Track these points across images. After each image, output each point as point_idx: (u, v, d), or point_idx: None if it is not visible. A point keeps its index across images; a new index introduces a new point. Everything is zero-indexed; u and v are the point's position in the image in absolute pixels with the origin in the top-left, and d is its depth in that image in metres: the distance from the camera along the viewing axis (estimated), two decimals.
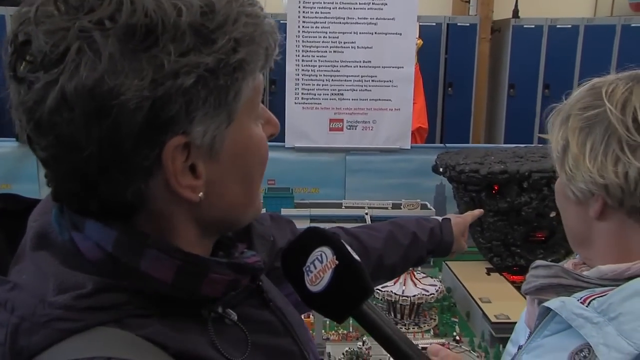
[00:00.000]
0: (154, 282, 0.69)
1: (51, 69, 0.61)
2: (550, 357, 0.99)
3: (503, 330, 2.23)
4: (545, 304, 1.00)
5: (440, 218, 1.52)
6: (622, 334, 0.88)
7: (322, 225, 1.31)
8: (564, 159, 1.02)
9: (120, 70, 0.60)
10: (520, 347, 1.11)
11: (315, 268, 0.78)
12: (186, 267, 0.70)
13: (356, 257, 0.79)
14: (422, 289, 2.37)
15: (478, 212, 1.69)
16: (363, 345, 2.04)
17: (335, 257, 0.77)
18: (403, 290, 2.30)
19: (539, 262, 1.12)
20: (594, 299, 0.95)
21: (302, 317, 1.72)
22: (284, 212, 3.03)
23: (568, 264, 1.12)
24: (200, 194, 0.70)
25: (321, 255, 0.78)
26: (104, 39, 0.60)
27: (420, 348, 0.81)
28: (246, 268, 0.77)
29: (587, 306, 0.95)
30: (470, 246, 2.89)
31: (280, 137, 3.45)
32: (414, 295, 2.31)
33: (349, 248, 0.79)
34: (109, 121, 0.61)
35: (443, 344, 2.17)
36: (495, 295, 2.46)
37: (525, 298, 2.46)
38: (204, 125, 0.67)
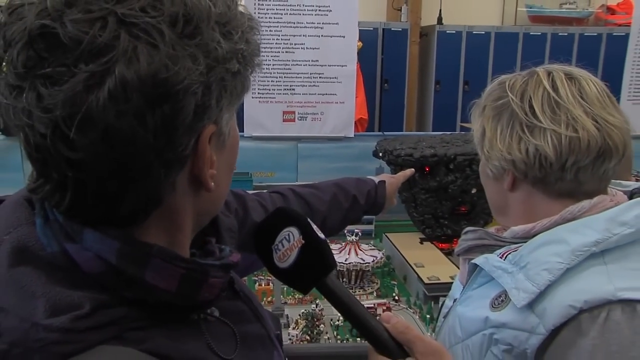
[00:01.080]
0: (159, 292, 0.60)
1: (97, 59, 0.50)
2: (477, 304, 1.02)
3: (434, 290, 2.26)
4: (472, 260, 1.04)
5: (376, 180, 1.46)
6: (529, 278, 0.91)
7: None
8: (482, 143, 1.06)
9: (179, 55, 0.53)
10: (455, 300, 1.13)
11: (283, 246, 0.76)
12: (189, 274, 0.61)
13: (321, 235, 0.76)
14: (365, 257, 2.38)
15: (409, 171, 1.63)
16: (316, 307, 2.03)
17: (302, 237, 0.75)
18: (346, 259, 2.31)
19: (468, 228, 1.16)
20: (509, 254, 0.98)
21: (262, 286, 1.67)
22: None
23: (492, 228, 1.14)
24: (213, 184, 0.63)
25: (289, 234, 0.76)
26: (156, 26, 0.52)
27: (369, 310, 0.80)
28: (233, 268, 0.70)
29: (504, 260, 0.98)
30: (406, 219, 2.93)
31: (239, 127, 3.39)
32: (359, 263, 2.31)
33: (314, 227, 0.77)
34: (167, 108, 0.53)
35: (385, 304, 2.19)
36: (427, 261, 2.49)
37: (452, 262, 2.52)
38: (229, 113, 0.62)
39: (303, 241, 0.75)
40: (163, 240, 0.63)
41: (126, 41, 0.51)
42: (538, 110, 0.97)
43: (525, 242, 0.98)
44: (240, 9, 0.62)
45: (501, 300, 0.96)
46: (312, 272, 0.76)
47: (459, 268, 2.40)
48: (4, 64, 0.54)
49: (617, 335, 0.83)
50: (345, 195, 1.34)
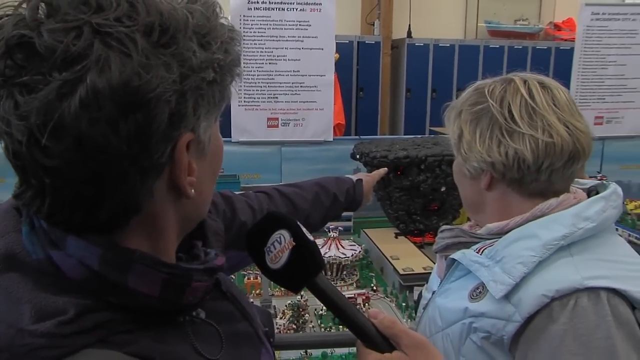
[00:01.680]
0: (142, 297, 0.57)
1: (71, 67, 0.48)
2: (456, 295, 1.02)
3: (409, 280, 2.27)
4: (451, 256, 1.04)
5: (354, 178, 1.44)
6: (505, 271, 0.92)
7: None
8: (459, 144, 1.04)
9: (152, 64, 0.50)
10: (434, 292, 1.12)
11: (275, 249, 0.74)
12: (171, 279, 0.58)
13: (310, 237, 0.75)
14: (346, 251, 2.37)
15: (383, 170, 1.62)
16: (302, 298, 2.02)
17: (292, 239, 0.73)
18: (326, 252, 2.31)
19: (444, 226, 1.15)
20: (485, 249, 0.99)
21: (251, 280, 1.64)
22: None
23: (465, 225, 1.14)
24: (193, 190, 0.60)
25: (280, 237, 0.74)
26: (130, 35, 0.50)
27: (350, 300, 0.79)
28: (218, 271, 0.67)
29: (481, 254, 0.98)
30: (382, 216, 2.93)
31: (227, 133, 3.40)
32: (340, 257, 2.31)
33: (304, 229, 0.75)
34: (140, 116, 0.50)
35: (364, 294, 2.19)
36: (402, 254, 2.49)
37: (425, 255, 2.52)
38: (207, 121, 0.58)
39: (294, 243, 0.73)
40: (146, 246, 0.59)
41: (99, 50, 0.48)
42: (517, 116, 0.96)
43: (499, 237, 0.99)
44: (222, 21, 0.59)
45: (479, 291, 0.96)
46: (302, 272, 0.74)
47: (431, 260, 2.43)
48: None
49: (584, 319, 0.84)
50: (326, 193, 1.33)
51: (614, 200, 0.97)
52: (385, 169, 1.67)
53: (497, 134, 0.98)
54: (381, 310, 0.77)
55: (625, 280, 0.88)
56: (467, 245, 1.04)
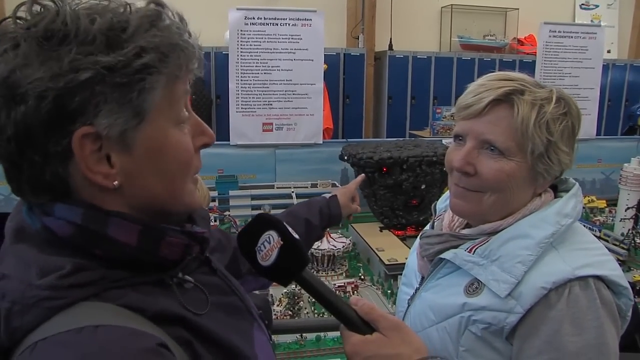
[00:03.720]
0: (121, 245, 0.59)
1: None
2: (449, 291, 0.98)
3: (393, 269, 2.25)
4: (442, 256, 1.00)
5: (328, 195, 1.34)
6: (505, 270, 0.90)
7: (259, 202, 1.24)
8: (545, 153, 0.92)
9: (29, 64, 0.54)
10: (418, 289, 1.08)
11: (265, 248, 0.74)
12: (146, 230, 0.61)
13: (296, 236, 0.75)
14: (336, 244, 2.35)
15: (360, 178, 1.54)
16: (297, 287, 1.99)
17: (280, 238, 0.73)
18: (318, 246, 2.27)
19: (428, 231, 1.09)
20: (477, 248, 0.96)
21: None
22: (232, 193, 2.96)
23: (445, 227, 1.08)
24: (116, 182, 0.59)
25: (269, 237, 0.74)
26: (25, 40, 0.55)
27: (340, 295, 0.78)
28: (196, 235, 0.68)
29: (473, 254, 0.95)
30: (367, 212, 2.91)
31: (226, 137, 3.36)
32: (331, 249, 2.28)
33: (290, 230, 0.75)
34: (22, 107, 0.54)
35: (353, 282, 2.17)
36: (386, 246, 2.48)
37: (407, 246, 2.50)
38: (110, 118, 0.57)
39: (281, 242, 0.73)
40: None
41: (2, 51, 0.55)
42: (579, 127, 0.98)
43: (484, 237, 0.97)
44: (158, 30, 0.59)
45: (475, 287, 0.94)
46: (290, 268, 0.74)
47: None
48: None
49: (577, 304, 0.86)
50: (297, 221, 1.22)
51: (579, 195, 0.99)
52: (363, 175, 1.64)
53: (572, 142, 0.97)
54: (361, 298, 0.78)
55: (601, 265, 0.90)
56: (455, 246, 1.00)
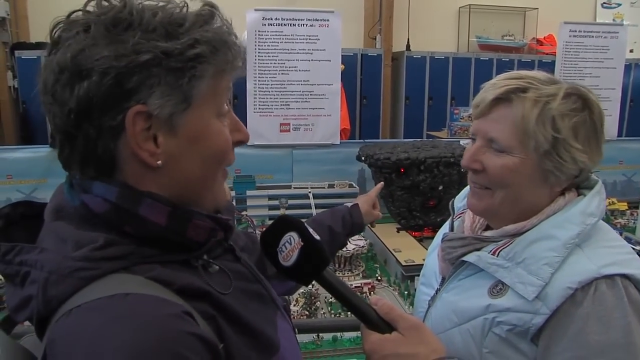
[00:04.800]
0: (151, 224, 0.63)
1: (57, 46, 0.62)
2: (472, 292, 0.97)
3: (410, 270, 2.23)
4: (464, 258, 0.99)
5: (350, 204, 1.37)
6: (531, 273, 0.89)
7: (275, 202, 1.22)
8: (552, 151, 0.90)
9: (97, 45, 0.60)
10: (438, 290, 1.07)
11: (286, 249, 0.76)
12: (174, 212, 0.65)
13: (317, 237, 0.76)
14: (353, 245, 2.34)
15: (380, 185, 1.57)
16: (313, 287, 1.98)
17: (300, 239, 0.75)
18: None
19: (451, 234, 1.08)
20: (501, 250, 0.95)
21: None
22: (249, 193, 2.96)
23: (467, 229, 1.07)
24: (159, 161, 0.64)
25: (290, 238, 0.76)
26: (96, 26, 0.61)
27: (360, 294, 0.81)
28: (220, 221, 0.71)
29: (497, 256, 0.94)
30: (384, 213, 2.89)
31: None
32: (348, 250, 2.27)
33: (311, 230, 0.76)
34: (85, 82, 0.60)
35: (369, 283, 2.15)
36: (403, 247, 2.46)
37: (424, 247, 2.48)
38: (161, 100, 0.62)
39: (302, 243, 0.75)
40: None
41: (72, 37, 0.61)
42: (603, 125, 0.95)
43: (507, 238, 0.96)
44: (210, 27, 0.65)
45: (499, 289, 0.93)
46: (311, 268, 0.75)
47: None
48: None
49: (603, 303, 0.85)
50: (321, 229, 1.22)
51: (603, 193, 0.97)
52: (382, 184, 1.64)
53: (601, 140, 0.95)
54: (381, 297, 0.79)
55: (627, 263, 0.89)
56: (477, 248, 0.99)
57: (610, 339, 0.83)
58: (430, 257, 1.17)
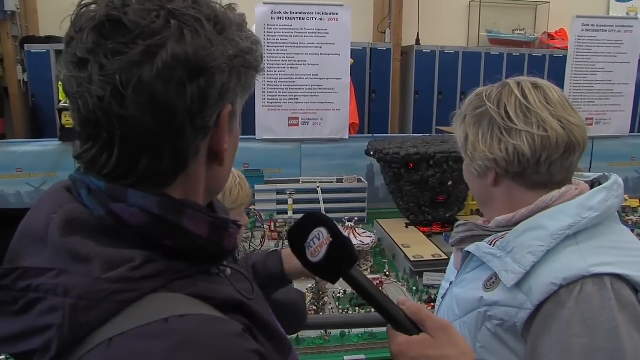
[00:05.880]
0: (195, 237, 0.59)
1: (153, 37, 0.54)
2: (471, 286, 0.99)
3: (419, 266, 2.22)
4: (465, 249, 1.01)
5: (267, 252, 1.12)
6: (516, 261, 0.90)
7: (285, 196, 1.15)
8: (466, 146, 1.02)
9: (215, 41, 0.57)
10: (451, 283, 1.09)
11: (314, 244, 0.75)
12: (215, 222, 0.61)
13: (345, 234, 0.76)
14: (361, 240, 2.33)
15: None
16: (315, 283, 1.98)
17: (329, 235, 0.74)
18: None
19: (459, 222, 1.12)
20: (497, 240, 0.96)
21: None
22: (257, 187, 2.95)
23: (479, 220, 1.11)
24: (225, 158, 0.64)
25: (319, 234, 0.75)
26: (198, 18, 0.56)
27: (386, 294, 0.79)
28: (236, 223, 0.68)
29: (493, 246, 0.96)
30: (393, 207, 2.88)
31: (251, 131, 3.37)
32: (356, 245, 2.26)
33: (339, 228, 0.76)
34: (203, 81, 0.56)
35: (378, 279, 2.15)
36: (412, 242, 2.45)
37: (433, 243, 2.47)
38: (242, 99, 0.64)
39: (331, 239, 0.74)
40: None
41: (176, 26, 0.54)
42: (512, 115, 0.95)
43: (507, 229, 0.96)
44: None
45: (492, 281, 0.94)
46: (339, 265, 0.74)
47: (439, 248, 2.37)
48: (70, 44, 0.56)
49: (589, 304, 0.82)
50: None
51: (615, 190, 0.95)
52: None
53: (497, 133, 0.96)
54: (408, 299, 0.78)
55: (629, 265, 0.86)
56: (480, 238, 1.00)
57: (595, 343, 0.81)
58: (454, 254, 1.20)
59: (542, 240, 0.88)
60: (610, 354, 0.80)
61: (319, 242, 0.74)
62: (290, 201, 2.89)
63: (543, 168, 0.94)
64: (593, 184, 1.01)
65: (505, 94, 0.97)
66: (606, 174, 1.01)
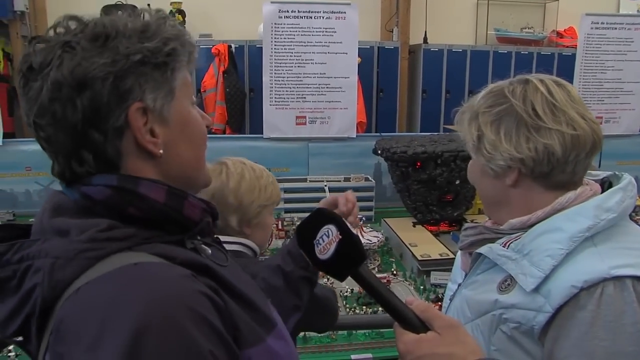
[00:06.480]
0: (152, 202, 0.67)
1: (43, 70, 0.65)
2: (484, 288, 0.97)
3: (426, 265, 2.22)
4: (477, 250, 0.98)
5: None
6: (534, 264, 0.88)
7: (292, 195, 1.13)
8: (479, 145, 0.97)
9: (90, 56, 0.64)
10: (459, 285, 1.07)
11: (324, 241, 0.75)
12: (171, 190, 0.69)
13: (354, 232, 0.75)
14: (368, 239, 2.33)
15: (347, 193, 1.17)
16: (328, 280, 1.98)
17: (339, 232, 0.74)
18: None
19: (467, 224, 1.10)
20: (511, 242, 0.94)
21: None
22: None
23: (487, 223, 1.08)
24: (161, 150, 0.69)
25: (328, 231, 0.75)
26: (77, 41, 0.65)
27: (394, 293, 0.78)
28: (209, 204, 0.76)
29: (507, 248, 0.93)
30: (401, 206, 2.87)
31: (259, 130, 3.37)
32: (367, 243, 2.26)
33: (349, 225, 0.75)
34: (88, 92, 0.64)
35: (385, 278, 2.14)
36: (419, 241, 2.44)
37: (440, 242, 2.46)
38: (153, 94, 0.68)
39: (340, 236, 0.74)
40: None
41: (57, 56, 0.64)
42: (541, 113, 0.92)
43: (521, 232, 0.94)
44: (171, 27, 0.71)
45: (507, 284, 0.92)
46: (348, 262, 0.74)
47: (446, 247, 2.36)
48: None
49: (611, 307, 0.81)
50: (273, 272, 1.06)
51: (630, 190, 0.94)
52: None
53: (524, 131, 0.92)
54: (416, 298, 0.75)
55: None
56: (491, 241, 0.98)
57: (617, 346, 0.79)
58: (458, 254, 1.18)
59: (561, 243, 0.86)
60: (634, 358, 0.79)
61: (328, 239, 0.74)
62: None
63: (569, 167, 0.92)
64: (603, 182, 1.00)
65: (531, 90, 0.94)
66: (617, 172, 1.00)
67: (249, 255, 1.29)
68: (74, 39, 0.66)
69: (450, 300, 1.08)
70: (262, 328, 0.69)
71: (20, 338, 0.65)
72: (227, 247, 1.13)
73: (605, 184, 0.99)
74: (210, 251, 0.73)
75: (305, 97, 3.25)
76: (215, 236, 0.79)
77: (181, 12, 4.55)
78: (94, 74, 0.64)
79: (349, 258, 0.74)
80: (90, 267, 0.60)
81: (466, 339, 0.72)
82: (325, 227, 0.75)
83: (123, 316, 0.54)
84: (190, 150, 0.74)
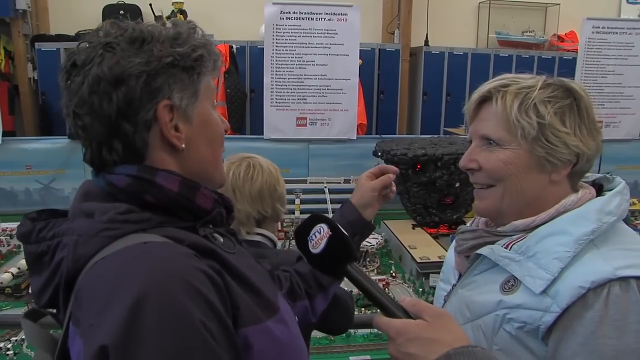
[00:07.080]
0: (166, 190, 0.73)
1: (85, 66, 0.73)
2: (484, 288, 0.96)
3: (425, 267, 2.22)
4: (478, 251, 0.98)
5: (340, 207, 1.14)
6: (541, 266, 0.88)
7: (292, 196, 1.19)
8: (538, 135, 0.91)
9: (128, 56, 0.72)
10: (454, 285, 1.06)
11: (316, 237, 0.83)
12: (185, 181, 0.76)
13: (345, 232, 0.82)
14: (368, 241, 2.33)
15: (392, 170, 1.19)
16: None
17: (329, 229, 0.82)
18: None
19: (463, 227, 1.09)
20: (514, 244, 0.94)
21: None
22: None
23: (481, 224, 1.08)
24: (183, 145, 0.76)
25: (320, 228, 0.83)
26: (117, 43, 0.73)
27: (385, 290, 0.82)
28: (223, 197, 0.83)
29: (509, 250, 0.94)
30: (400, 209, 2.87)
31: (259, 130, 3.37)
32: (362, 246, 2.26)
33: (339, 226, 0.82)
34: (123, 87, 0.72)
35: (384, 279, 2.14)
36: (419, 243, 2.45)
37: (439, 245, 2.46)
38: (180, 94, 0.75)
39: (330, 233, 0.81)
40: None
41: (99, 53, 0.73)
42: (592, 114, 0.95)
43: (522, 233, 0.95)
44: (200, 35, 0.80)
45: (511, 284, 0.92)
46: (338, 257, 0.81)
47: (446, 250, 2.36)
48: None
49: (617, 306, 0.82)
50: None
51: (625, 194, 0.96)
52: (389, 176, 1.17)
53: (593, 127, 0.95)
54: (407, 297, 0.81)
55: None
56: (490, 243, 0.98)
57: (624, 345, 0.81)
58: (449, 254, 1.18)
59: (568, 245, 0.87)
60: (639, 355, 0.81)
61: (320, 235, 0.82)
62: (297, 201, 2.89)
63: (588, 168, 0.96)
64: (594, 182, 1.02)
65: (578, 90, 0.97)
66: (607, 175, 1.01)
67: (268, 246, 1.38)
68: (115, 40, 0.74)
69: (445, 300, 1.07)
70: (264, 312, 0.75)
71: (54, 310, 0.74)
72: (248, 237, 1.21)
73: (596, 186, 1.01)
74: (222, 240, 0.79)
75: (306, 99, 3.26)
76: (233, 231, 0.86)
77: (183, 13, 4.55)
78: (129, 71, 0.72)
79: (339, 254, 0.81)
80: (108, 245, 0.67)
81: (453, 327, 0.75)
82: (318, 225, 0.83)
83: (127, 286, 0.61)
84: (209, 149, 0.81)
